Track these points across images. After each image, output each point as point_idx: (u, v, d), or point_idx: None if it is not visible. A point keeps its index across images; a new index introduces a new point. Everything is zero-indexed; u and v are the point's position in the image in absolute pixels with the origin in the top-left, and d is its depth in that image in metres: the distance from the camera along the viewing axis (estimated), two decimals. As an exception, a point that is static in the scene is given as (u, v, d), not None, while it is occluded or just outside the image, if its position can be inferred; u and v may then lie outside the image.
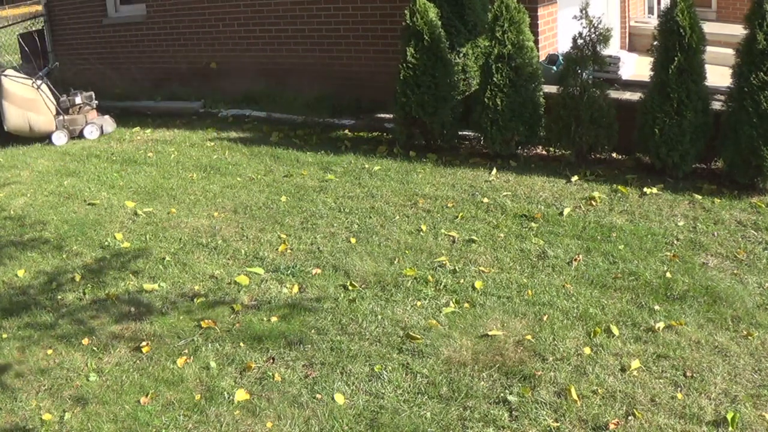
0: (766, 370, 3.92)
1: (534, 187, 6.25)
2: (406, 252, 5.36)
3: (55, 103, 8.78)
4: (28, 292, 5.19)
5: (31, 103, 8.57)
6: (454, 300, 4.72)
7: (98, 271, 5.39)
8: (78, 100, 8.82)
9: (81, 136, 8.76)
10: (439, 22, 6.96)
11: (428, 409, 3.79)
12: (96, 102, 9.05)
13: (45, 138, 8.67)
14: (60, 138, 8.68)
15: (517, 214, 5.82)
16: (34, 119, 8.62)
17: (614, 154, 6.78)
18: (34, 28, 11.86)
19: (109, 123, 8.96)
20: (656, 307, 4.51)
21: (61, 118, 8.74)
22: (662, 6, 9.74)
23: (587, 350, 4.15)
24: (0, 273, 5.47)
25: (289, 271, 5.19)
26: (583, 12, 6.43)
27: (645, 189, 6.05)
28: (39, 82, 8.68)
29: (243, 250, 5.57)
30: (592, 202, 5.91)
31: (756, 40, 5.77)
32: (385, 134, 7.77)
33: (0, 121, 8.59)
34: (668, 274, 4.84)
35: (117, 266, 5.43)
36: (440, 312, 4.60)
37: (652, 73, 6.27)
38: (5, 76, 8.58)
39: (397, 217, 5.93)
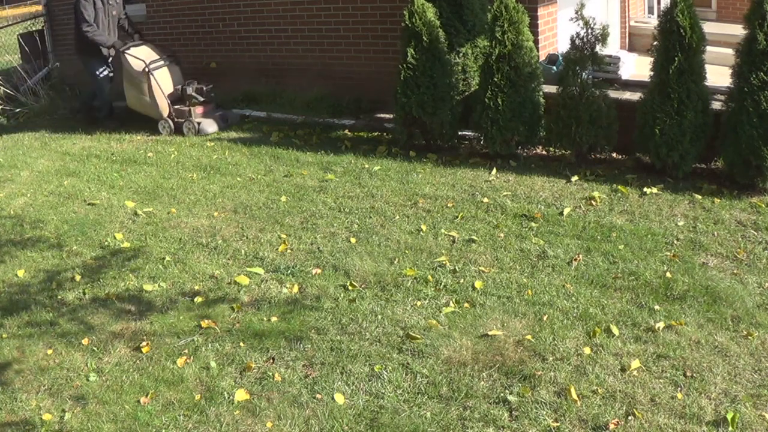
0: (766, 370, 3.92)
1: (534, 187, 6.25)
2: (406, 252, 5.36)
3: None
4: (27, 291, 5.19)
5: (140, 85, 8.36)
6: (454, 300, 4.72)
7: (98, 270, 5.39)
8: (189, 90, 8.34)
9: (180, 130, 8.39)
10: (438, 23, 6.95)
11: (428, 409, 3.79)
12: (206, 97, 8.41)
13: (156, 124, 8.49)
14: (163, 128, 8.41)
15: (517, 214, 5.82)
16: (144, 102, 8.41)
17: (614, 154, 6.78)
18: (34, 28, 11.85)
19: (210, 123, 8.35)
20: (656, 307, 4.51)
21: (170, 108, 8.40)
22: (662, 6, 9.75)
23: (587, 350, 4.15)
24: (0, 272, 5.47)
25: (289, 271, 5.19)
26: (578, 13, 6.44)
27: (645, 189, 6.05)
28: (155, 65, 8.33)
29: (243, 250, 5.57)
30: (592, 202, 5.91)
31: (756, 40, 5.77)
32: (385, 134, 7.77)
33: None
34: (668, 274, 4.84)
35: (117, 266, 5.44)
36: (440, 312, 4.60)
37: (652, 73, 6.27)
38: (122, 52, 8.35)
39: (397, 217, 5.93)
